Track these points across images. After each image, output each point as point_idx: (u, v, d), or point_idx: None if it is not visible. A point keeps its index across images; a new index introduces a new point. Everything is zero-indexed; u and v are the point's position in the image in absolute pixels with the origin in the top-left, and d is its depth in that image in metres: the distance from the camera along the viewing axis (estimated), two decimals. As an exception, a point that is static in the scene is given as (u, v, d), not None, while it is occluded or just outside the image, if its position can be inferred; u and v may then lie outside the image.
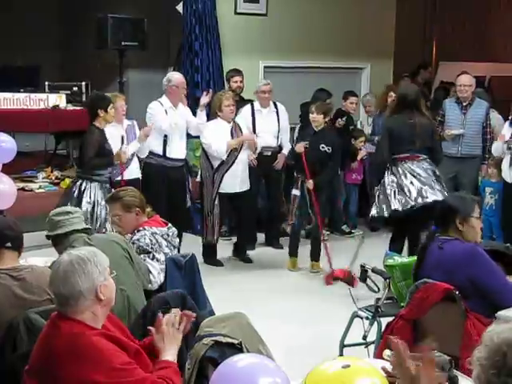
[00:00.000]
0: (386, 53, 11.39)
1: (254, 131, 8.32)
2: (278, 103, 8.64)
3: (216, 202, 7.84)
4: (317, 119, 7.61)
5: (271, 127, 8.46)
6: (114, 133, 7.31)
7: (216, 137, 7.77)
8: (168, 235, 5.10)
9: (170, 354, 3.29)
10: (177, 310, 3.45)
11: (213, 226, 7.86)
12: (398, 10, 11.56)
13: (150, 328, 3.40)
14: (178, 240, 5.30)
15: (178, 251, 5.33)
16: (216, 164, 7.85)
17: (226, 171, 7.84)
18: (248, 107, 8.51)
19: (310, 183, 7.53)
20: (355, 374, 2.52)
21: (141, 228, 5.02)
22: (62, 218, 4.55)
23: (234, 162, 7.88)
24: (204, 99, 7.91)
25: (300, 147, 7.54)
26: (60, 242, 4.51)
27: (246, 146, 8.03)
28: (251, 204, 8.16)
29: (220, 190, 7.85)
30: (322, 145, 7.60)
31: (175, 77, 7.83)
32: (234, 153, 7.87)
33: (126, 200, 5.02)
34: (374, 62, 11.26)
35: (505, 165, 7.67)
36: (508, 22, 13.60)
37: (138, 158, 7.67)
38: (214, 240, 7.94)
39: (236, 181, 7.92)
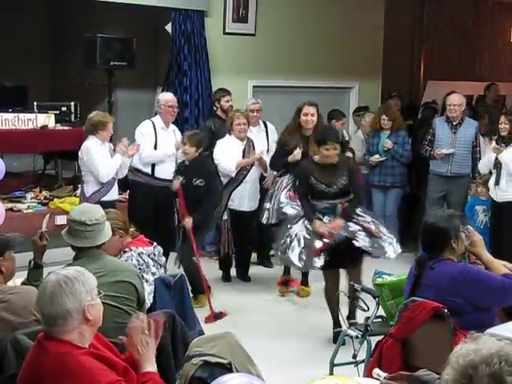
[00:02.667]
0: (374, 72, 11.45)
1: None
2: (267, 122, 8.67)
3: (226, 217, 7.86)
4: (188, 151, 7.21)
5: (260, 146, 8.45)
6: (103, 152, 7.32)
7: (227, 154, 7.80)
8: (154, 254, 5.09)
9: (148, 363, 3.26)
10: (142, 316, 3.38)
11: (226, 240, 7.89)
12: (385, 30, 11.63)
13: (121, 338, 3.35)
14: (164, 259, 5.27)
15: (165, 270, 5.31)
16: (225, 181, 7.88)
17: (234, 189, 7.87)
18: None
19: (187, 222, 7.11)
20: (344, 393, 2.52)
21: (127, 249, 4.99)
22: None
23: (242, 181, 7.91)
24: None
25: (176, 184, 7.19)
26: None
27: (257, 166, 8.03)
28: (255, 224, 8.12)
29: (229, 207, 7.88)
30: (194, 178, 7.22)
31: (164, 97, 7.88)
32: (243, 172, 7.90)
33: (110, 222, 4.97)
34: (363, 81, 11.31)
35: (491, 183, 7.71)
36: (494, 42, 13.74)
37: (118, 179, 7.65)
38: (228, 253, 7.97)
39: (244, 200, 7.96)
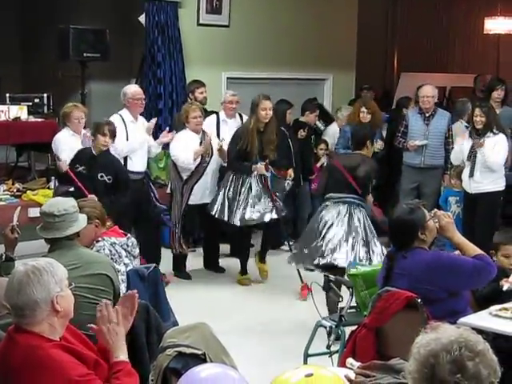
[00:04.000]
0: (348, 64, 11.48)
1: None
2: (243, 115, 8.65)
3: (183, 214, 7.82)
4: (107, 143, 6.94)
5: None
6: (73, 143, 7.27)
7: (185, 148, 7.73)
8: (127, 245, 5.07)
9: (118, 352, 3.23)
10: (106, 302, 3.33)
11: (180, 237, 7.83)
12: (359, 22, 11.66)
13: (91, 326, 3.32)
14: (137, 250, 5.25)
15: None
16: (185, 176, 7.82)
17: (196, 182, 7.83)
18: (213, 117, 8.48)
19: None
20: (318, 382, 2.52)
21: (99, 239, 4.98)
22: None
23: (203, 174, 7.86)
24: (164, 138, 7.83)
25: (63, 166, 6.93)
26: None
27: (217, 156, 7.99)
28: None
29: (190, 202, 7.82)
30: (102, 173, 6.92)
31: (131, 90, 7.75)
32: (203, 164, 7.84)
33: (86, 211, 4.95)
34: (337, 73, 11.33)
35: (465, 175, 7.76)
36: (467, 34, 13.81)
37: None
38: (183, 251, 7.91)
39: (205, 192, 7.92)
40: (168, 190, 8.26)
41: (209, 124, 8.35)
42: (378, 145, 8.56)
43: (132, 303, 3.38)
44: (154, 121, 7.80)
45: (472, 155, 7.64)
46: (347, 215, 6.51)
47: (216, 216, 7.55)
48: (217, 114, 8.53)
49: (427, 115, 8.42)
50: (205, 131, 7.94)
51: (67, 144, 7.37)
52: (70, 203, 4.54)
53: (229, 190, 7.57)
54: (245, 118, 8.62)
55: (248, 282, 7.79)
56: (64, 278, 3.09)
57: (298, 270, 7.24)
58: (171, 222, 7.91)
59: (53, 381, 2.90)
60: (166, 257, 7.83)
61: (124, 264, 4.94)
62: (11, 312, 3.09)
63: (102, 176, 6.89)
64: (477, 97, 11.25)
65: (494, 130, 7.61)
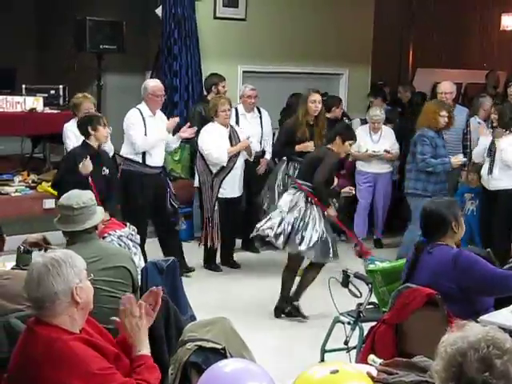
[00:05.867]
0: (364, 59, 11.44)
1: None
2: (261, 108, 8.64)
3: (216, 208, 7.81)
4: (105, 132, 6.68)
5: (255, 132, 8.44)
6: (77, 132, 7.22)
7: (215, 143, 7.72)
8: (132, 234, 5.09)
9: (140, 346, 3.22)
10: (130, 296, 3.33)
11: (214, 232, 7.83)
12: (375, 17, 11.60)
13: (114, 318, 3.32)
14: (138, 237, 5.27)
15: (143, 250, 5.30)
16: (215, 170, 7.82)
17: (225, 176, 7.82)
18: (232, 111, 8.46)
19: None
20: (344, 379, 2.49)
21: (105, 234, 4.96)
22: None
23: (233, 168, 7.85)
24: (184, 134, 7.77)
25: (87, 167, 6.47)
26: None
27: (242, 151, 7.98)
28: (241, 209, 8.13)
29: (220, 195, 7.82)
30: (104, 168, 6.73)
31: (150, 84, 7.64)
32: (233, 158, 7.84)
33: None
34: (352, 68, 11.30)
35: (484, 172, 7.71)
36: (483, 30, 13.73)
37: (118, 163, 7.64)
38: (215, 245, 7.91)
39: (235, 186, 7.93)
40: (196, 184, 8.24)
41: (228, 118, 8.36)
42: (458, 160, 7.79)
43: (156, 300, 3.36)
44: (176, 120, 7.75)
45: (491, 151, 7.59)
46: (296, 199, 6.56)
47: None
48: (236, 108, 8.52)
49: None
50: (232, 125, 7.92)
51: (73, 133, 7.35)
52: (87, 196, 4.52)
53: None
54: (263, 111, 8.62)
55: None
56: (83, 269, 3.08)
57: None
58: (204, 216, 7.93)
59: (72, 374, 2.89)
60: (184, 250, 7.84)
61: (133, 254, 4.94)
62: (31, 304, 3.09)
63: (104, 171, 6.71)
64: (488, 93, 11.21)
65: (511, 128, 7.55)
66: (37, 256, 3.16)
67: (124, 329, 3.23)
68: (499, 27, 12.91)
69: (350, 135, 6.77)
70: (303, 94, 7.85)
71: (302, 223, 6.46)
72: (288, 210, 6.49)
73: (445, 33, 13.87)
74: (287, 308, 6.64)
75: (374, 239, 9.15)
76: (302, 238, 6.41)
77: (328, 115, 9.08)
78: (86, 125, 6.62)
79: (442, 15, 13.60)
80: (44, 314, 3.00)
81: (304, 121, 7.64)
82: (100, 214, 4.54)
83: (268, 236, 6.52)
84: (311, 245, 6.42)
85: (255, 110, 8.57)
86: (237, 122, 8.41)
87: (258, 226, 6.65)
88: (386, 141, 8.87)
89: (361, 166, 8.93)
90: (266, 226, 6.53)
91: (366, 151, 8.74)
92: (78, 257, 3.12)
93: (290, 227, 6.45)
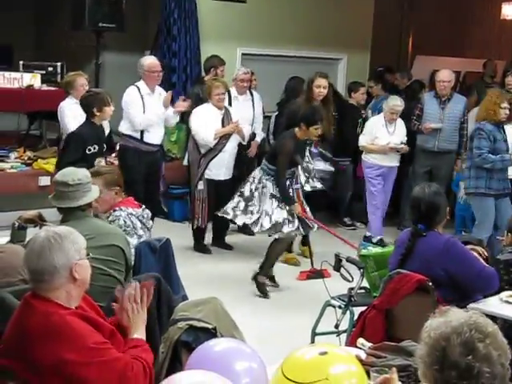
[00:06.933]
0: (363, 44, 11.43)
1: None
2: (253, 91, 8.63)
3: (202, 187, 7.81)
4: (110, 111, 6.72)
5: (246, 115, 8.44)
6: (77, 111, 7.18)
7: (205, 123, 7.71)
8: (143, 217, 5.08)
9: (138, 331, 3.26)
10: (135, 284, 3.37)
11: (200, 211, 7.84)
12: (376, 3, 11.58)
13: (114, 304, 3.36)
14: (151, 222, 5.26)
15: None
16: (203, 150, 7.82)
17: (213, 158, 7.82)
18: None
19: None
20: (332, 361, 2.53)
21: (116, 208, 4.98)
22: None
23: (221, 150, 7.84)
24: (179, 108, 7.79)
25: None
26: None
27: (235, 135, 7.97)
28: (231, 192, 8.12)
29: (206, 176, 7.82)
30: (104, 146, 6.80)
31: (146, 62, 7.67)
32: (222, 141, 7.82)
33: (108, 177, 4.98)
34: (351, 53, 11.29)
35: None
36: (484, 18, 13.69)
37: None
38: (202, 225, 7.92)
39: (221, 169, 7.92)
40: (185, 162, 8.26)
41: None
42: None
43: (148, 291, 3.39)
44: (169, 94, 7.76)
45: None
46: (258, 179, 6.89)
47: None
48: (228, 90, 8.51)
49: (443, 99, 8.40)
50: (227, 108, 7.91)
51: (71, 111, 7.36)
52: (83, 173, 4.54)
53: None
54: (255, 94, 8.60)
55: (295, 261, 7.77)
56: (83, 247, 3.11)
57: (310, 252, 7.30)
58: (192, 195, 7.94)
59: (68, 347, 2.92)
60: (178, 231, 7.84)
61: (138, 236, 4.94)
62: (29, 277, 3.11)
63: (102, 149, 6.68)
64: (485, 82, 11.22)
65: None
66: (35, 232, 3.17)
67: (124, 313, 3.27)
68: (500, 16, 12.86)
69: (314, 120, 6.77)
70: (309, 78, 7.80)
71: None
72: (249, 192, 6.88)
73: (445, 20, 13.83)
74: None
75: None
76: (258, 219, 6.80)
77: (351, 101, 9.13)
78: (92, 104, 6.58)
79: (442, 3, 13.55)
80: (42, 288, 3.02)
81: (307, 105, 7.56)
82: (95, 192, 4.56)
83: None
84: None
85: (247, 92, 8.56)
86: (229, 104, 8.39)
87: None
88: (400, 132, 8.42)
89: (373, 158, 8.39)
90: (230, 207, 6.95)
91: (388, 144, 8.26)
92: (80, 235, 3.14)
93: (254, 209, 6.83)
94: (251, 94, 8.63)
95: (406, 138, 8.41)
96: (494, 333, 2.19)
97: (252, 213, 6.86)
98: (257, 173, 6.97)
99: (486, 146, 7.14)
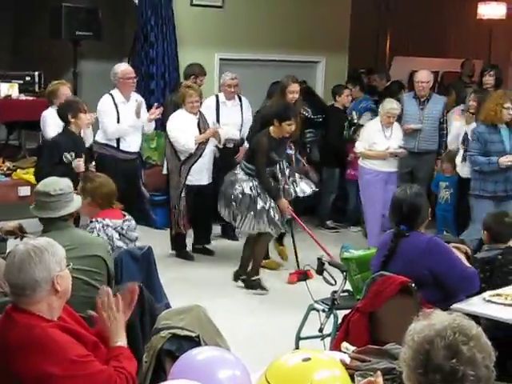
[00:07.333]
0: (341, 46, 11.42)
1: (218, 122, 8.33)
2: (242, 96, 8.63)
3: (183, 195, 7.79)
4: (86, 118, 6.81)
5: (235, 120, 8.44)
6: (59, 120, 7.13)
7: (183, 129, 7.69)
8: (122, 228, 5.02)
9: (118, 338, 3.22)
10: (107, 290, 3.32)
11: (180, 219, 7.81)
12: (353, 5, 11.59)
13: (91, 312, 3.33)
14: (135, 234, 5.16)
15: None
16: (183, 157, 7.80)
17: (193, 163, 7.80)
18: (213, 98, 8.53)
19: None
20: (316, 366, 2.52)
21: (93, 220, 4.95)
22: None
23: (201, 155, 7.83)
24: (152, 115, 7.79)
25: (79, 167, 6.54)
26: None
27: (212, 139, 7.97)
28: (214, 196, 8.10)
29: (188, 182, 7.80)
30: (82, 154, 6.85)
31: (120, 69, 7.65)
32: (201, 146, 7.81)
33: (85, 186, 4.97)
34: (330, 56, 11.28)
35: (458, 159, 7.77)
36: (460, 18, 13.77)
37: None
38: (182, 231, 7.89)
39: (203, 174, 7.92)
40: (164, 171, 8.23)
41: (208, 105, 8.38)
42: (508, 159, 7.09)
43: (132, 297, 3.36)
44: (140, 102, 7.72)
45: (465, 139, 7.64)
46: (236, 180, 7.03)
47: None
48: (216, 95, 8.51)
49: (422, 100, 8.41)
50: (201, 112, 7.90)
51: (54, 120, 7.31)
52: (65, 183, 4.51)
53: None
54: (243, 99, 8.61)
55: (275, 265, 7.79)
56: (63, 257, 3.08)
57: (295, 254, 7.31)
58: (170, 203, 7.89)
59: (51, 360, 2.89)
60: (160, 239, 7.82)
61: (117, 247, 4.88)
62: (10, 291, 3.07)
63: (80, 156, 6.62)
64: (463, 82, 11.28)
65: None
66: (16, 244, 3.14)
67: (101, 321, 3.23)
68: (476, 16, 12.93)
69: (286, 116, 6.83)
70: (281, 82, 7.84)
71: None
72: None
73: (422, 21, 13.89)
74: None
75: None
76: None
77: (336, 104, 9.23)
78: (67, 112, 6.58)
79: (419, 3, 13.60)
80: (23, 301, 3.00)
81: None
82: (77, 203, 4.53)
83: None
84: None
85: (236, 97, 8.56)
86: (217, 110, 8.42)
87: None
88: (396, 135, 8.14)
89: (371, 164, 8.07)
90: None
91: (387, 149, 7.97)
92: (59, 245, 3.12)
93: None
94: (240, 100, 8.62)
95: (402, 142, 8.19)
96: (478, 335, 2.17)
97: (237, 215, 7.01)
98: (237, 174, 7.05)
99: (476, 148, 7.14)
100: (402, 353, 2.24)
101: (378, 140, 8.02)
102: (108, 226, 4.92)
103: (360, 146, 8.17)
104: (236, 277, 7.26)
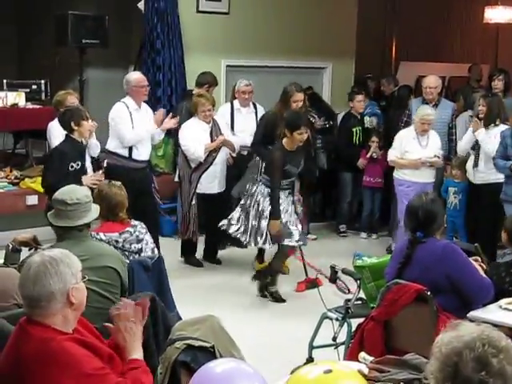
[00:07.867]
0: (347, 52, 11.39)
1: (232, 129, 8.29)
2: (257, 104, 8.58)
3: (193, 202, 7.76)
4: (89, 126, 6.68)
5: (249, 127, 8.36)
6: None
7: (194, 138, 7.66)
8: (117, 241, 4.94)
9: (134, 351, 3.20)
10: (126, 301, 3.32)
11: (190, 226, 7.78)
12: (359, 10, 11.56)
13: (107, 325, 3.29)
14: (137, 245, 5.09)
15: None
16: (194, 164, 7.78)
17: (204, 171, 7.77)
18: (227, 106, 8.52)
19: None
20: (337, 378, 2.47)
21: (93, 233, 4.90)
22: None
23: (212, 163, 7.79)
24: (167, 125, 7.67)
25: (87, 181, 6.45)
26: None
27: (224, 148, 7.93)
28: (225, 204, 8.02)
29: (198, 190, 7.77)
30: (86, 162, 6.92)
31: (133, 77, 7.61)
32: (212, 154, 7.78)
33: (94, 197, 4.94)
34: (336, 62, 11.26)
35: (469, 165, 7.71)
36: (467, 23, 13.74)
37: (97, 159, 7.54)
38: (192, 238, 7.87)
39: (214, 182, 7.87)
40: (176, 179, 8.19)
41: (223, 113, 8.38)
42: None
43: (143, 310, 3.33)
44: (161, 111, 7.72)
45: (476, 145, 7.59)
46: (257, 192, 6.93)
47: None
48: (231, 102, 8.48)
49: (431, 105, 8.35)
50: (215, 120, 7.86)
51: (60, 131, 7.24)
52: (83, 192, 4.47)
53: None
54: (258, 107, 8.55)
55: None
56: (79, 269, 3.04)
57: (303, 262, 7.26)
58: (181, 210, 7.86)
59: (66, 374, 2.85)
60: (168, 247, 7.78)
61: None
62: (24, 303, 3.02)
63: (84, 166, 6.60)
64: (471, 86, 11.22)
65: (497, 122, 7.52)
66: (32, 255, 3.10)
67: (118, 333, 3.19)
68: (482, 20, 12.89)
69: (296, 125, 6.68)
70: (286, 90, 7.73)
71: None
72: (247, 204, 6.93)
73: (428, 26, 13.87)
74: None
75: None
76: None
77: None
78: (69, 120, 6.50)
79: (425, 8, 13.58)
80: (37, 314, 2.95)
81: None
82: (94, 213, 4.47)
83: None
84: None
85: (251, 105, 8.52)
86: (232, 117, 8.39)
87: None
88: (434, 144, 7.82)
89: (404, 174, 7.81)
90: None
91: (420, 158, 7.68)
92: (75, 257, 3.07)
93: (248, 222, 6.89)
94: (255, 107, 8.58)
95: (441, 151, 7.90)
96: (508, 347, 2.13)
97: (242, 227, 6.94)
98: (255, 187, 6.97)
99: (499, 151, 7.13)
100: (429, 365, 2.19)
101: (410, 148, 7.76)
102: (102, 239, 4.86)
103: (391, 155, 7.94)
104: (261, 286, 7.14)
